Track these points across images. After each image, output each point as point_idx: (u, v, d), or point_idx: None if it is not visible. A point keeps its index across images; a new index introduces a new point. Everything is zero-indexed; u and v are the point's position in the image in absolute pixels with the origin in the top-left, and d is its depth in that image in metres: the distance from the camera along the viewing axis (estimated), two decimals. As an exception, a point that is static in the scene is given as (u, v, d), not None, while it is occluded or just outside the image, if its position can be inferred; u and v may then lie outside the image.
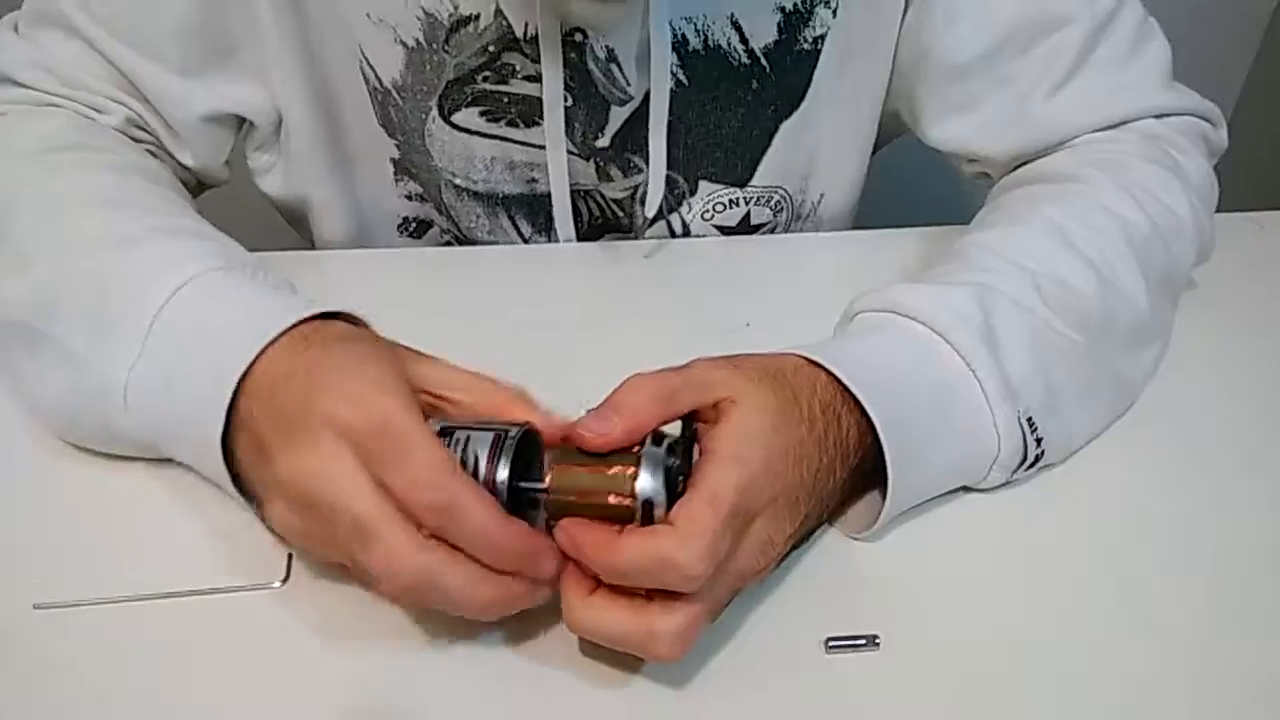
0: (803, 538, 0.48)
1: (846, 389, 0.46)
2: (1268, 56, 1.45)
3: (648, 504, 0.39)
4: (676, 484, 0.41)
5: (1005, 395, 0.49)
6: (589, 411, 0.42)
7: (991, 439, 0.49)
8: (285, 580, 0.47)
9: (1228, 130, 0.70)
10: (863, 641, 0.44)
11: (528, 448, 0.42)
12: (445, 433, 0.42)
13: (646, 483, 0.39)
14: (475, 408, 0.44)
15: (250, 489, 0.46)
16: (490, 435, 0.41)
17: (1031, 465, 0.51)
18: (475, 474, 0.41)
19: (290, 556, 0.47)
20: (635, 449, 0.41)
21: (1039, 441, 0.50)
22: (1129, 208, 0.58)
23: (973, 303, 0.50)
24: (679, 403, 0.43)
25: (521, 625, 0.45)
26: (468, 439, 0.41)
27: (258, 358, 0.44)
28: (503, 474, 0.40)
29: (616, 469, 0.40)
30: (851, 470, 0.47)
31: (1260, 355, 0.62)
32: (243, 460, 0.45)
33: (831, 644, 0.44)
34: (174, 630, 0.45)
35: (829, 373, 0.46)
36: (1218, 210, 0.67)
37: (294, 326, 0.45)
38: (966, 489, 0.52)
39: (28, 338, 0.52)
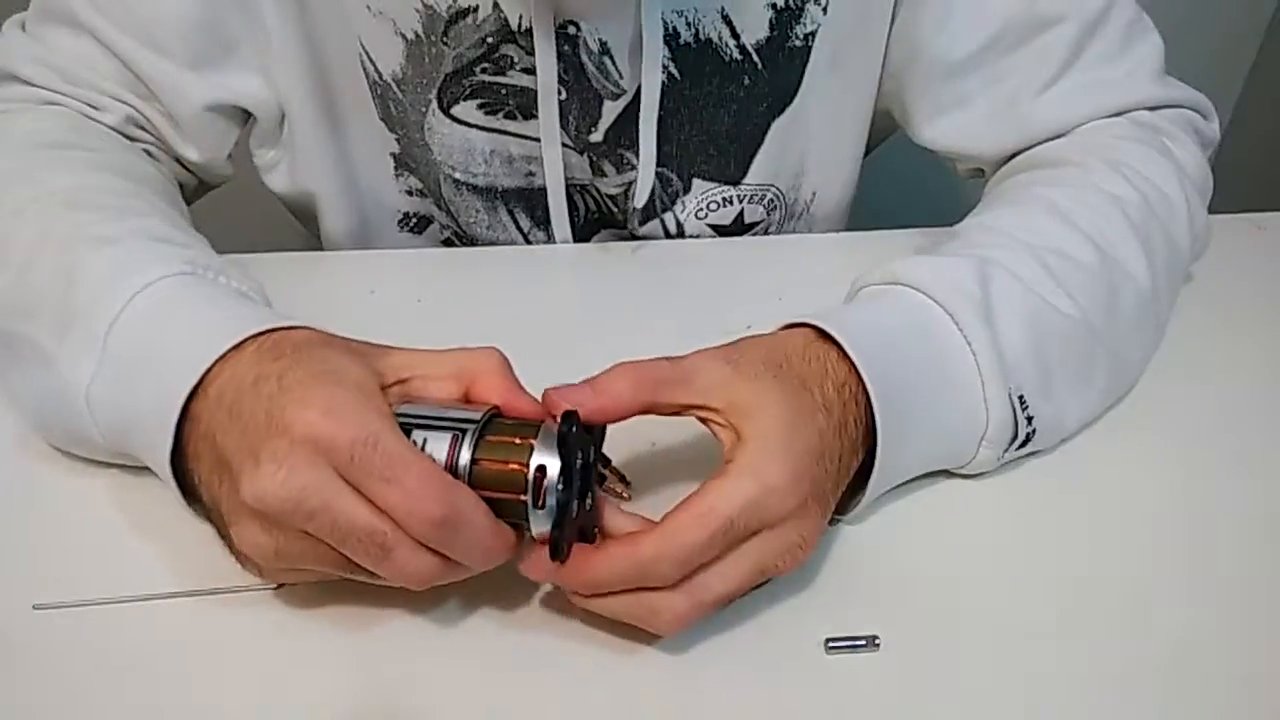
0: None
1: (852, 362, 0.46)
2: (1268, 56, 1.45)
3: (541, 469, 0.41)
4: (588, 455, 0.42)
5: (998, 370, 0.49)
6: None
7: (980, 413, 0.49)
8: (285, 580, 0.47)
9: (1228, 130, 0.70)
10: (863, 642, 0.45)
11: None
12: (405, 428, 0.41)
13: (540, 455, 0.41)
14: (448, 387, 0.44)
15: (209, 508, 0.44)
16: (449, 435, 0.42)
17: (1022, 445, 0.51)
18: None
19: (290, 556, 0.47)
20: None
21: (1030, 420, 0.50)
22: (1123, 187, 0.59)
23: (972, 275, 0.51)
24: (661, 396, 0.43)
25: (521, 625, 0.45)
26: (425, 440, 0.41)
27: (211, 370, 0.43)
28: (465, 456, 0.41)
29: (520, 440, 0.41)
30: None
31: (1260, 356, 0.62)
32: (204, 478, 0.44)
33: (831, 644, 0.44)
34: (174, 630, 0.45)
35: (838, 347, 0.46)
36: (1218, 211, 0.67)
37: (252, 338, 0.44)
38: (967, 485, 0.52)
39: (5, 340, 0.52)
